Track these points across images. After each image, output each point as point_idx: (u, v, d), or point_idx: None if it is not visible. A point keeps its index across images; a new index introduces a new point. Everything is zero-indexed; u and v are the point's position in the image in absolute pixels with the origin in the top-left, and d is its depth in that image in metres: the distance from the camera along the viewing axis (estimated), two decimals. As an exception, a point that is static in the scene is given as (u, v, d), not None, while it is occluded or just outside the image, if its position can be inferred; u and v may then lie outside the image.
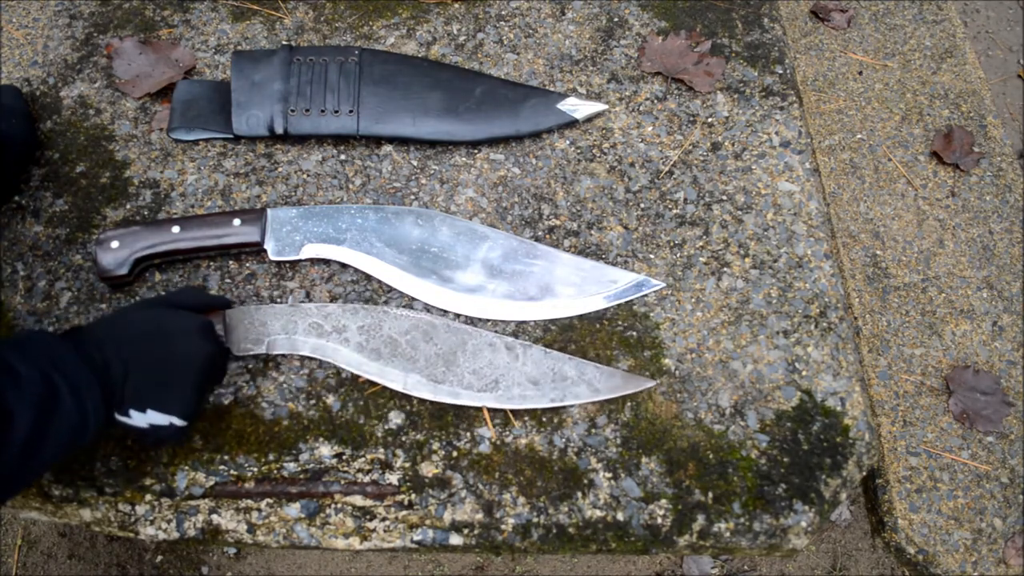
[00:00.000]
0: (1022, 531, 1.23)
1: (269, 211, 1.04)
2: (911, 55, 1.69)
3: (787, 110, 1.19)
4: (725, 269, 1.07)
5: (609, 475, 0.93)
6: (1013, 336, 1.38)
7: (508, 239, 1.06)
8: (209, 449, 0.93)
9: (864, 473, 0.97)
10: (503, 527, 0.91)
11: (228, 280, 1.03)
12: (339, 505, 0.92)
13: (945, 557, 1.21)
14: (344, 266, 1.05)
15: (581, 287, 1.03)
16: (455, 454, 0.94)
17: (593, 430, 0.96)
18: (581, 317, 1.03)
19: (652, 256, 1.07)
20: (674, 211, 1.11)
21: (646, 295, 1.04)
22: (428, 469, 0.93)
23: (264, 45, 1.22)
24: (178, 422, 0.84)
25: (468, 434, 0.95)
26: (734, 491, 0.93)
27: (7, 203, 1.07)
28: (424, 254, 1.04)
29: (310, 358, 0.98)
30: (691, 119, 1.18)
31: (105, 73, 1.18)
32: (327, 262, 1.05)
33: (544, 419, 0.96)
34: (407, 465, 0.93)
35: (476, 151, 1.15)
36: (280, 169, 1.12)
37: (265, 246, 1.02)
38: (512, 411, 0.96)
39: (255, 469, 0.92)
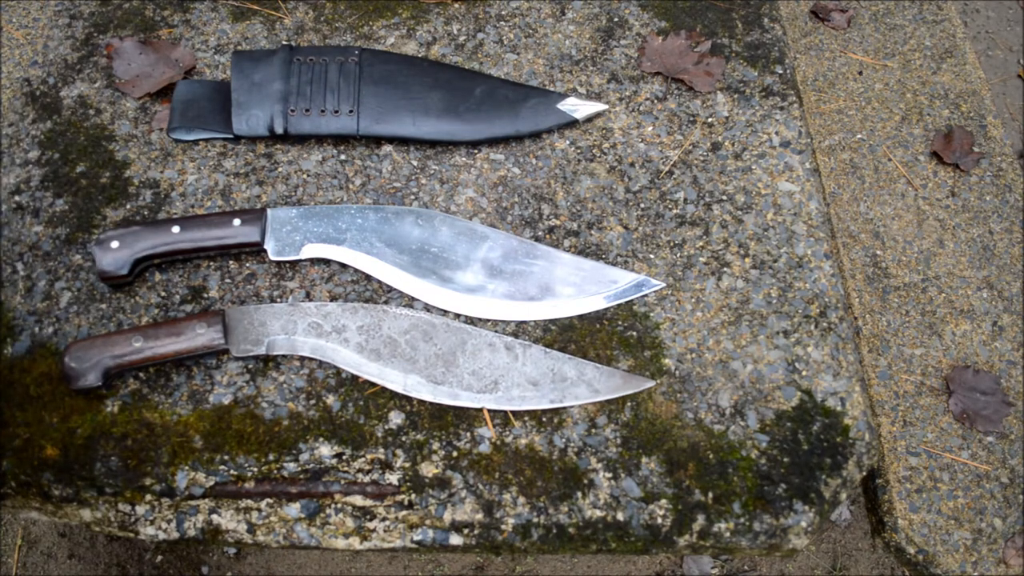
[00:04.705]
0: (1022, 531, 1.23)
1: (269, 211, 1.04)
2: (911, 55, 1.69)
3: (787, 110, 1.19)
4: (725, 269, 1.07)
5: (609, 475, 0.93)
6: (1013, 336, 1.38)
7: (508, 239, 1.06)
8: (209, 449, 0.93)
9: (864, 473, 0.97)
10: (503, 527, 0.91)
11: (228, 280, 1.03)
12: (339, 505, 0.92)
13: (945, 557, 1.21)
14: (344, 266, 1.05)
15: (581, 287, 1.03)
16: (455, 454, 0.94)
17: (593, 430, 0.96)
18: (581, 317, 1.02)
19: (652, 256, 1.07)
20: (674, 211, 1.11)
21: (646, 295, 1.04)
22: (428, 469, 0.93)
23: (264, 45, 1.22)
24: None
25: (468, 434, 0.95)
26: (734, 491, 0.93)
27: None
28: (424, 254, 1.04)
29: (310, 358, 0.98)
30: (691, 119, 1.18)
31: (105, 73, 1.18)
32: (327, 262, 1.05)
33: (544, 419, 0.96)
34: (407, 465, 0.93)
35: (476, 151, 1.15)
36: (280, 169, 1.12)
37: (265, 246, 1.02)
38: (512, 411, 0.96)
39: (255, 469, 0.92)
